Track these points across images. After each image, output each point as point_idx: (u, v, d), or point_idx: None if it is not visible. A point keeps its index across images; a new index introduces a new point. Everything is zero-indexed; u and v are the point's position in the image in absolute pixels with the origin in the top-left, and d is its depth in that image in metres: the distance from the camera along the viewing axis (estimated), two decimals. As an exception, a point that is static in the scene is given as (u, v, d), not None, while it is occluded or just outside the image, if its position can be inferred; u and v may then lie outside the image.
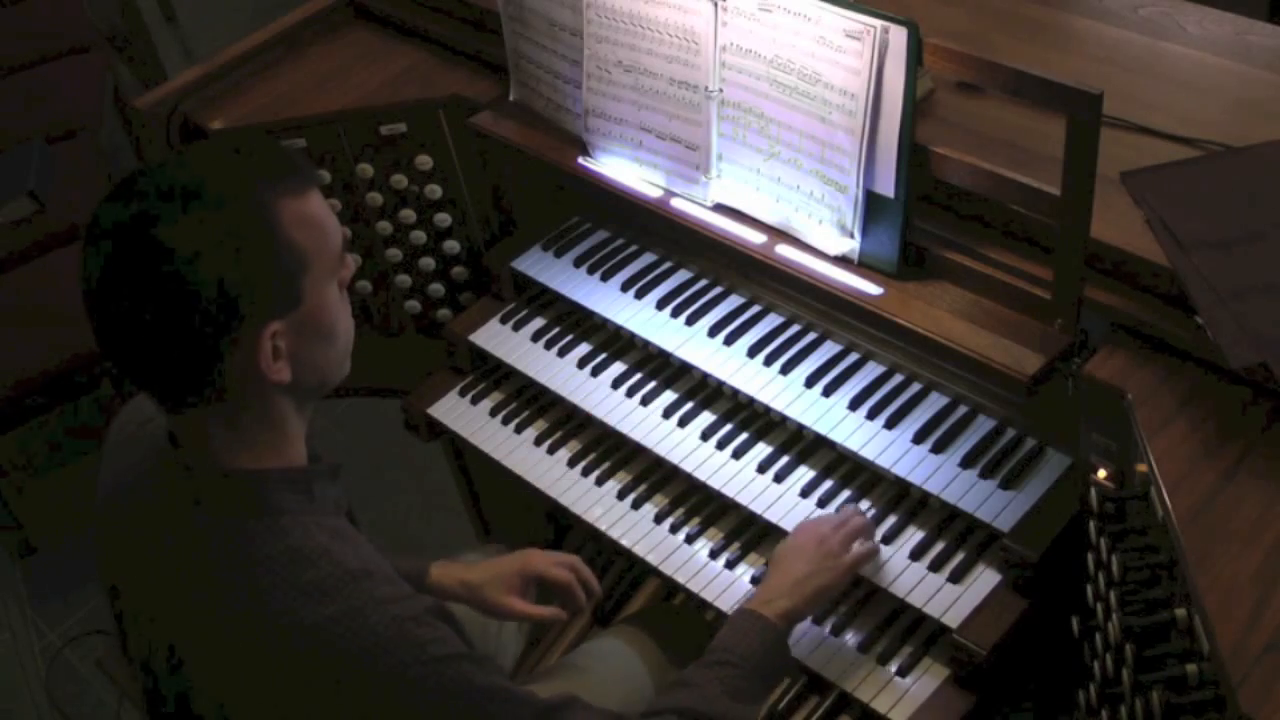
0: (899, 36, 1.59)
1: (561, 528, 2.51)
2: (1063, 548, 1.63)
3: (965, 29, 1.96)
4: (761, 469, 1.89)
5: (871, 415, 1.86)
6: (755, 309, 2.06)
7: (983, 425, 1.82)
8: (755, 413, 1.96)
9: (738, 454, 1.92)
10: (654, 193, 1.97)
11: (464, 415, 2.18)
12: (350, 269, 1.41)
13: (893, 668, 1.70)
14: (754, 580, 1.82)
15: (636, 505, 1.96)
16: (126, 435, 1.50)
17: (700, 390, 2.03)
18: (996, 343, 1.63)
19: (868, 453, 1.82)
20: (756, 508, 1.85)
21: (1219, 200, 1.60)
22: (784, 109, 1.76)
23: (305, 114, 2.24)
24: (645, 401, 2.02)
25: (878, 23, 1.61)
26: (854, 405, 1.88)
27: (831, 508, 1.82)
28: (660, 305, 2.09)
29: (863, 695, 1.69)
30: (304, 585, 1.27)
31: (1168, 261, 1.53)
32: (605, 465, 2.02)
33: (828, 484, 1.86)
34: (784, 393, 1.92)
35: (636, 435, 1.98)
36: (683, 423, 1.98)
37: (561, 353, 2.14)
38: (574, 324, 2.19)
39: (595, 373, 2.09)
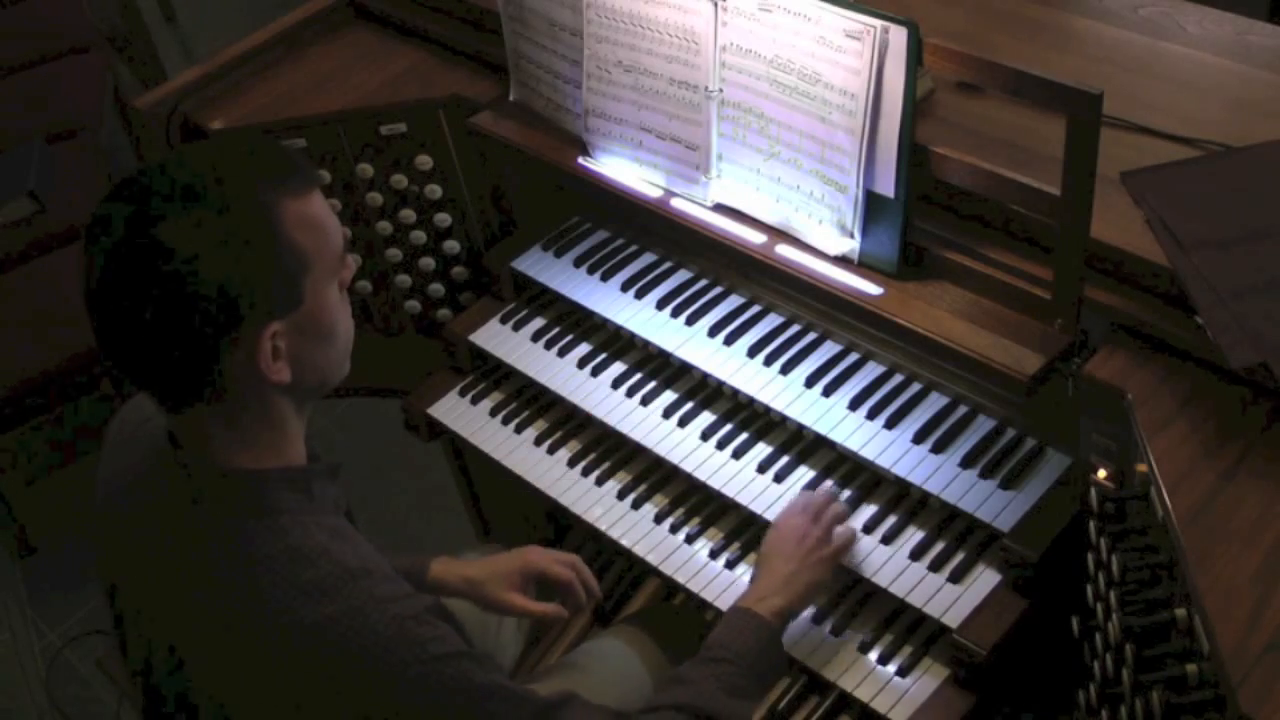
0: (899, 36, 1.59)
1: (561, 528, 2.51)
2: (1063, 548, 1.63)
3: (965, 29, 1.96)
4: (761, 469, 1.89)
5: (871, 415, 1.86)
6: (755, 309, 2.06)
7: (983, 425, 1.82)
8: (755, 413, 1.96)
9: (738, 454, 1.92)
10: (654, 193, 1.97)
11: (464, 415, 2.18)
12: (351, 269, 1.41)
13: (893, 668, 1.70)
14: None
15: (636, 505, 1.96)
16: (126, 435, 1.50)
17: (700, 390, 2.03)
18: (996, 343, 1.63)
19: (868, 453, 1.82)
20: (756, 508, 1.85)
21: (1219, 200, 1.60)
22: (784, 109, 1.76)
23: (305, 114, 2.24)
24: (645, 401, 2.02)
25: (878, 23, 1.61)
26: (854, 405, 1.88)
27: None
28: (660, 305, 2.09)
29: (863, 695, 1.69)
30: (304, 584, 1.27)
31: (1168, 261, 1.53)
32: (605, 465, 2.02)
33: (828, 484, 1.85)
34: (784, 393, 1.92)
35: (636, 435, 1.98)
36: (683, 423, 1.98)
37: (561, 353, 2.14)
38: (574, 324, 2.19)
39: (595, 373, 2.09)
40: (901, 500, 1.82)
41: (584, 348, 2.14)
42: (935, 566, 1.72)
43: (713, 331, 2.03)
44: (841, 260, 1.78)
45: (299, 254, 1.30)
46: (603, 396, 2.05)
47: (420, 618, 1.29)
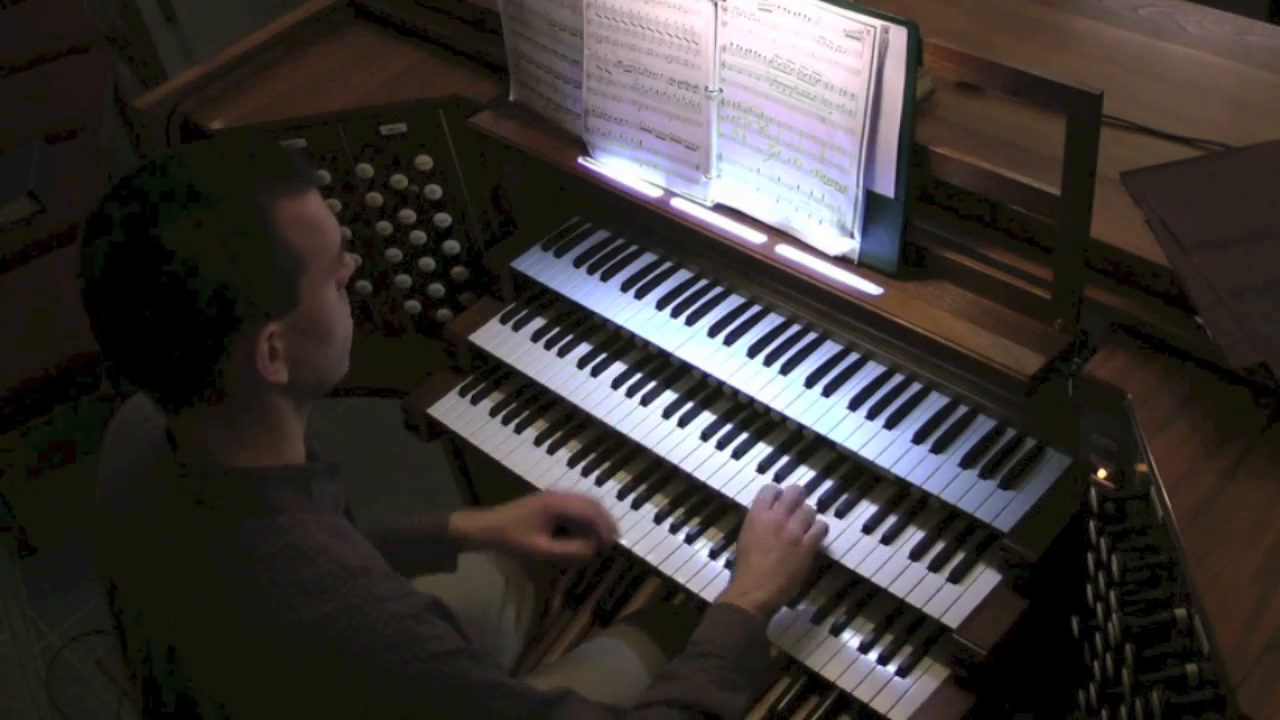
0: (899, 36, 1.59)
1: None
2: (1063, 548, 1.63)
3: (965, 29, 1.96)
4: (761, 469, 1.89)
5: (871, 415, 1.86)
6: (755, 309, 2.06)
7: (983, 425, 1.82)
8: (755, 413, 1.96)
9: (738, 454, 1.92)
10: (654, 193, 1.97)
11: (464, 415, 2.18)
12: (349, 269, 1.40)
13: (893, 668, 1.70)
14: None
15: (636, 505, 1.96)
16: (126, 434, 1.49)
17: (700, 390, 2.03)
18: (996, 343, 1.63)
19: (868, 453, 1.82)
20: (756, 508, 1.85)
21: (1219, 200, 1.60)
22: (784, 109, 1.76)
23: (305, 114, 2.24)
24: (645, 401, 2.02)
25: (878, 23, 1.61)
26: (854, 405, 1.88)
27: (832, 509, 1.81)
28: (660, 305, 2.09)
29: (863, 695, 1.69)
30: (303, 583, 1.27)
31: (1168, 261, 1.53)
32: (605, 465, 2.02)
33: (828, 484, 1.86)
34: (784, 393, 1.92)
35: (636, 435, 1.98)
36: (683, 423, 1.98)
37: (561, 353, 2.14)
38: (574, 324, 2.19)
39: (595, 373, 2.09)
40: (901, 500, 1.81)
41: (584, 348, 2.14)
42: (935, 566, 1.72)
43: (713, 331, 2.03)
44: (841, 260, 1.78)
45: (295, 255, 1.29)
46: (603, 396, 2.05)
47: (419, 616, 1.30)
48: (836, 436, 1.85)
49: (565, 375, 2.10)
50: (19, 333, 3.20)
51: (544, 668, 2.03)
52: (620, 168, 2.00)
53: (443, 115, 2.21)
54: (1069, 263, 1.56)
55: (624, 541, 1.92)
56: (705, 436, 1.95)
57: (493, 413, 2.17)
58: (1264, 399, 1.47)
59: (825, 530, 1.77)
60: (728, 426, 1.96)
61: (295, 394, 1.36)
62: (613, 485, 2.00)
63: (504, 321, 2.23)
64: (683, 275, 2.14)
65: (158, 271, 1.23)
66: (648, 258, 2.19)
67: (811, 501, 1.83)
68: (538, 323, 2.21)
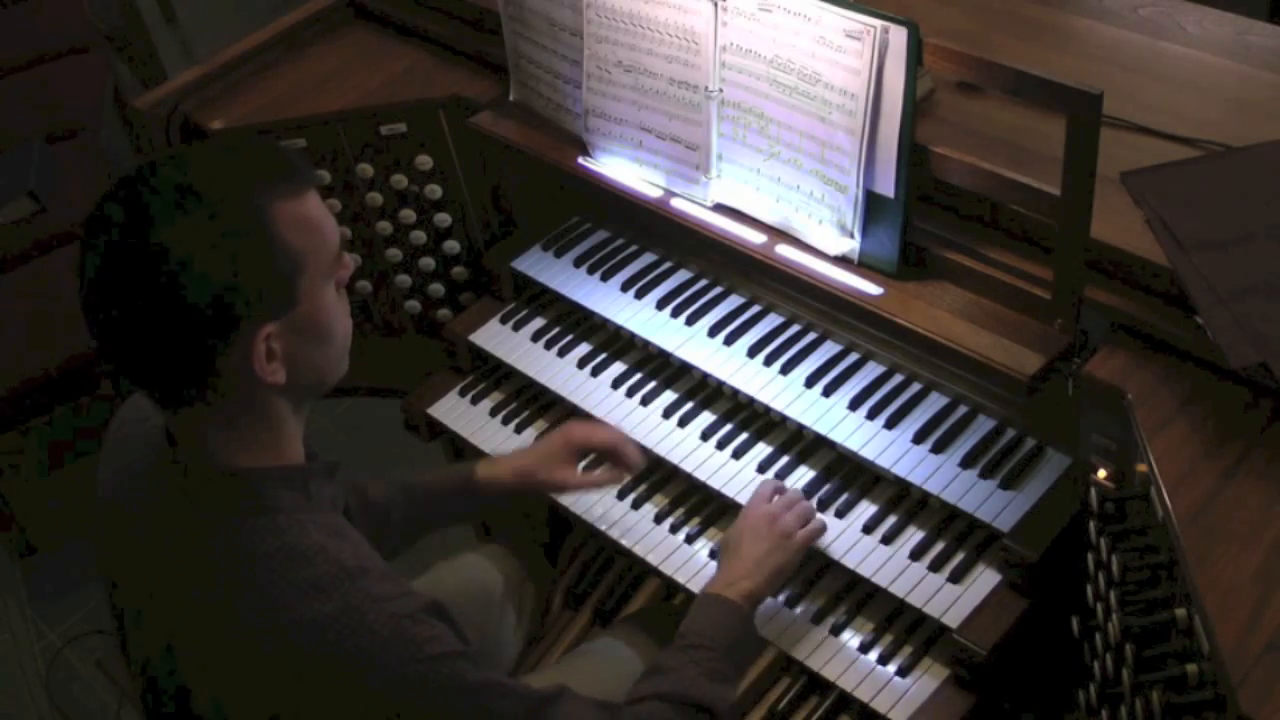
0: (899, 36, 1.59)
1: (561, 528, 2.50)
2: (1063, 548, 1.63)
3: (965, 29, 1.96)
4: (762, 469, 1.89)
5: (871, 415, 1.86)
6: (755, 309, 2.06)
7: (983, 425, 1.82)
8: (755, 413, 1.96)
9: (738, 454, 1.92)
10: (654, 193, 1.97)
11: (464, 415, 2.18)
12: (349, 269, 1.40)
13: (893, 668, 1.70)
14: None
15: (637, 505, 1.96)
16: (125, 433, 1.49)
17: (700, 390, 2.03)
18: (996, 343, 1.63)
19: (868, 453, 1.82)
20: (756, 508, 1.85)
21: (1219, 200, 1.60)
22: (784, 109, 1.76)
23: (305, 114, 2.24)
24: (645, 401, 2.02)
25: (878, 23, 1.61)
26: (854, 405, 1.88)
27: (831, 509, 1.81)
28: (660, 305, 2.09)
29: (863, 695, 1.69)
30: (301, 582, 1.27)
31: (1168, 261, 1.53)
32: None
33: (828, 484, 1.86)
34: (784, 393, 1.92)
35: (636, 435, 1.97)
36: (683, 423, 1.98)
37: (561, 353, 2.14)
38: (574, 324, 2.19)
39: (595, 373, 2.09)
40: (901, 500, 1.81)
41: (584, 348, 2.14)
42: (935, 566, 1.72)
43: (713, 331, 2.03)
44: (841, 260, 1.78)
45: (293, 255, 1.29)
46: (603, 396, 2.05)
47: (416, 617, 1.29)
48: (836, 436, 1.85)
49: (565, 375, 2.10)
50: (19, 333, 3.20)
51: (544, 667, 2.03)
52: (620, 168, 2.00)
53: (443, 115, 2.21)
54: (1069, 263, 1.56)
55: (624, 541, 1.92)
56: (705, 436, 1.95)
57: (493, 413, 2.17)
58: (1264, 399, 1.47)
59: (822, 529, 1.77)
60: (728, 426, 1.96)
61: (294, 394, 1.36)
62: (612, 485, 1.99)
63: (504, 321, 2.23)
64: (683, 275, 2.14)
65: (156, 272, 1.22)
66: (648, 258, 2.19)
67: (812, 502, 1.83)
68: (538, 323, 2.21)
